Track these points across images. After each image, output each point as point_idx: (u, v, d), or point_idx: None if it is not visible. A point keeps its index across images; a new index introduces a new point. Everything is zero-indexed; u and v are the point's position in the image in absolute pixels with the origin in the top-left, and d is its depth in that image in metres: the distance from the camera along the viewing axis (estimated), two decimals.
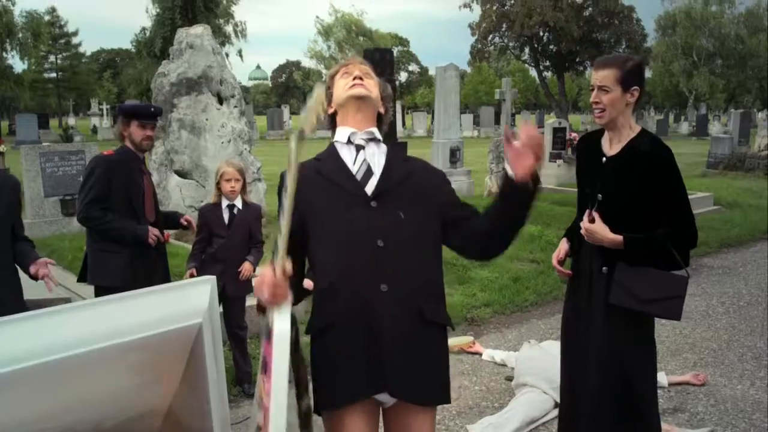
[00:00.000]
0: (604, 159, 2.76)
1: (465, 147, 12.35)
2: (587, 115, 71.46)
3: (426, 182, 2.13)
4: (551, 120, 12.45)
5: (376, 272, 1.97)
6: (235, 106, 7.85)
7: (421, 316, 1.99)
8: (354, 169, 2.08)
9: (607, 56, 2.78)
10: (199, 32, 7.81)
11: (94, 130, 42.18)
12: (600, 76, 2.64)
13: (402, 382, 1.95)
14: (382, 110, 2.24)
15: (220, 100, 7.75)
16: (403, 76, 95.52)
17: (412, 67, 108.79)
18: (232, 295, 4.20)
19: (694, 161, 21.57)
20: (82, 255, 4.01)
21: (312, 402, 2.03)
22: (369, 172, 2.08)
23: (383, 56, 10.16)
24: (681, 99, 60.65)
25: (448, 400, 2.09)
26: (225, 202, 4.20)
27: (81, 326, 1.73)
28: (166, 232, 4.11)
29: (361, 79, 2.12)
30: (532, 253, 7.56)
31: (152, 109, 3.89)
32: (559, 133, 12.52)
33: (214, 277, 2.08)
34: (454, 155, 10.75)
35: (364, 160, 2.10)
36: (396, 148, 2.27)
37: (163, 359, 1.93)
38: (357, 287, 1.98)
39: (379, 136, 2.17)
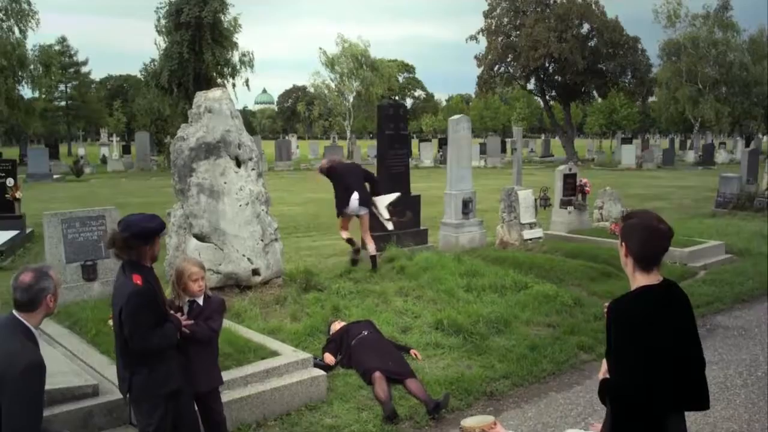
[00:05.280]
0: None
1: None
2: (593, 140, 71.76)
3: None
4: (562, 167, 12.53)
5: None
6: (253, 169, 7.96)
7: None
8: None
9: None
10: (217, 96, 7.95)
11: (104, 159, 42.57)
12: None
13: None
14: None
15: (238, 163, 7.86)
16: (408, 102, 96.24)
17: (418, 93, 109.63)
18: (205, 389, 4.16)
19: (702, 196, 21.64)
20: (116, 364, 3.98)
21: None
22: None
23: (397, 111, 10.33)
24: (686, 125, 60.85)
25: None
26: (186, 298, 4.15)
27: None
28: None
29: None
30: (547, 317, 7.58)
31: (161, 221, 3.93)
32: (569, 179, 12.60)
33: None
34: (467, 206, 10.83)
35: None
36: None
37: None
38: None
39: None
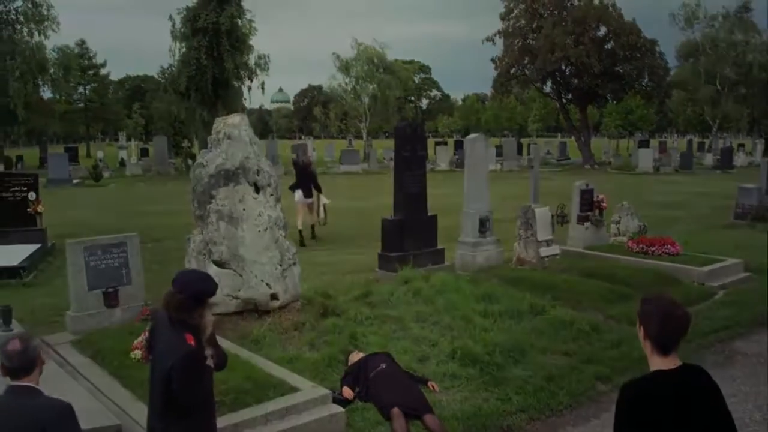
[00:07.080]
0: None
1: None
2: (609, 141, 71.18)
3: None
4: (578, 183, 12.51)
5: None
6: (272, 194, 8.03)
7: None
8: None
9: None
10: (236, 122, 8.03)
11: (122, 162, 43.02)
12: None
13: None
14: None
15: (257, 189, 7.93)
16: (424, 103, 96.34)
17: (434, 93, 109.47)
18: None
19: (720, 204, 21.40)
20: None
21: None
22: None
23: (414, 131, 10.37)
24: (704, 125, 60.33)
25: None
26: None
27: None
28: None
29: None
30: (564, 344, 7.56)
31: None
32: (586, 194, 12.57)
33: None
34: (484, 225, 10.85)
35: None
36: None
37: None
38: None
39: None
